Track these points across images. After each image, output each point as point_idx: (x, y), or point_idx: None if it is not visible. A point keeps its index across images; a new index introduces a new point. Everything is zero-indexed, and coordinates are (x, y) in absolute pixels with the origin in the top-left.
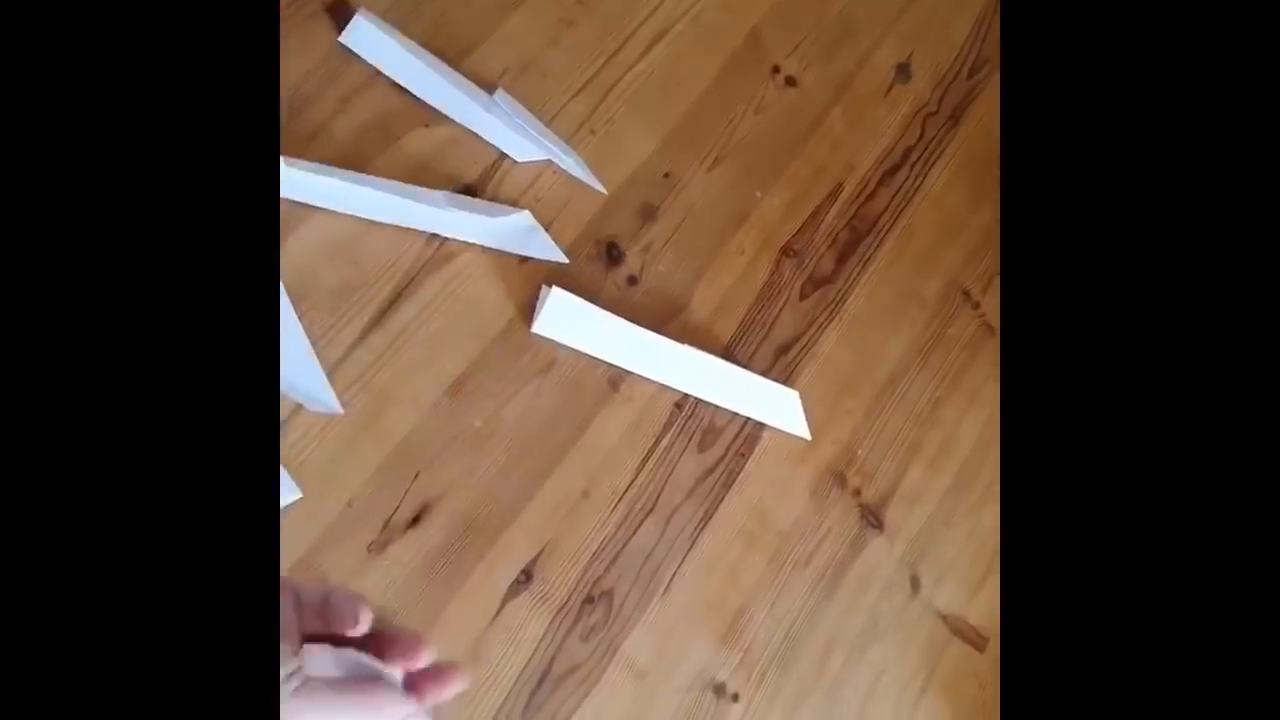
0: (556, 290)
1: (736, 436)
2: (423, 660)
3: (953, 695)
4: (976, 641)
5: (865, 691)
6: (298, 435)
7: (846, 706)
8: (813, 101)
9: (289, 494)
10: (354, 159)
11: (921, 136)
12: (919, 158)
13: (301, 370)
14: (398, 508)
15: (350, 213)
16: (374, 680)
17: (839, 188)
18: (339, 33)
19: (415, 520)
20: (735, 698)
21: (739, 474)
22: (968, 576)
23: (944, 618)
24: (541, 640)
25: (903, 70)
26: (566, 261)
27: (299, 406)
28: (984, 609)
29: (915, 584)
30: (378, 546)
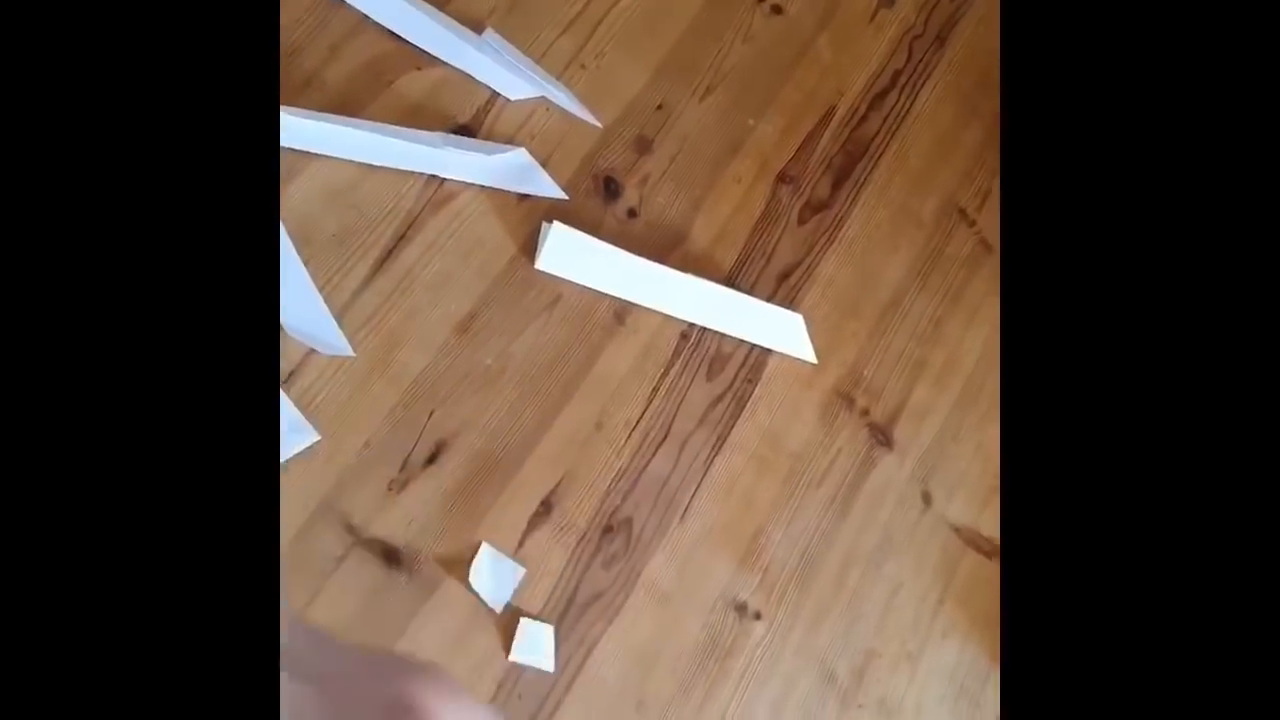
0: (558, 225)
1: (743, 363)
2: None
3: (969, 604)
4: (990, 551)
5: (884, 605)
6: (311, 379)
7: (866, 620)
8: (800, 28)
9: (307, 437)
10: (348, 105)
11: (909, 59)
12: (908, 80)
13: (310, 315)
14: (415, 446)
15: (348, 158)
16: None
17: (831, 113)
18: None
19: (433, 458)
20: (757, 616)
21: (748, 400)
22: (977, 489)
23: (957, 530)
24: (564, 570)
25: None
26: (565, 197)
27: (311, 351)
28: (994, 520)
29: (927, 499)
30: (398, 485)
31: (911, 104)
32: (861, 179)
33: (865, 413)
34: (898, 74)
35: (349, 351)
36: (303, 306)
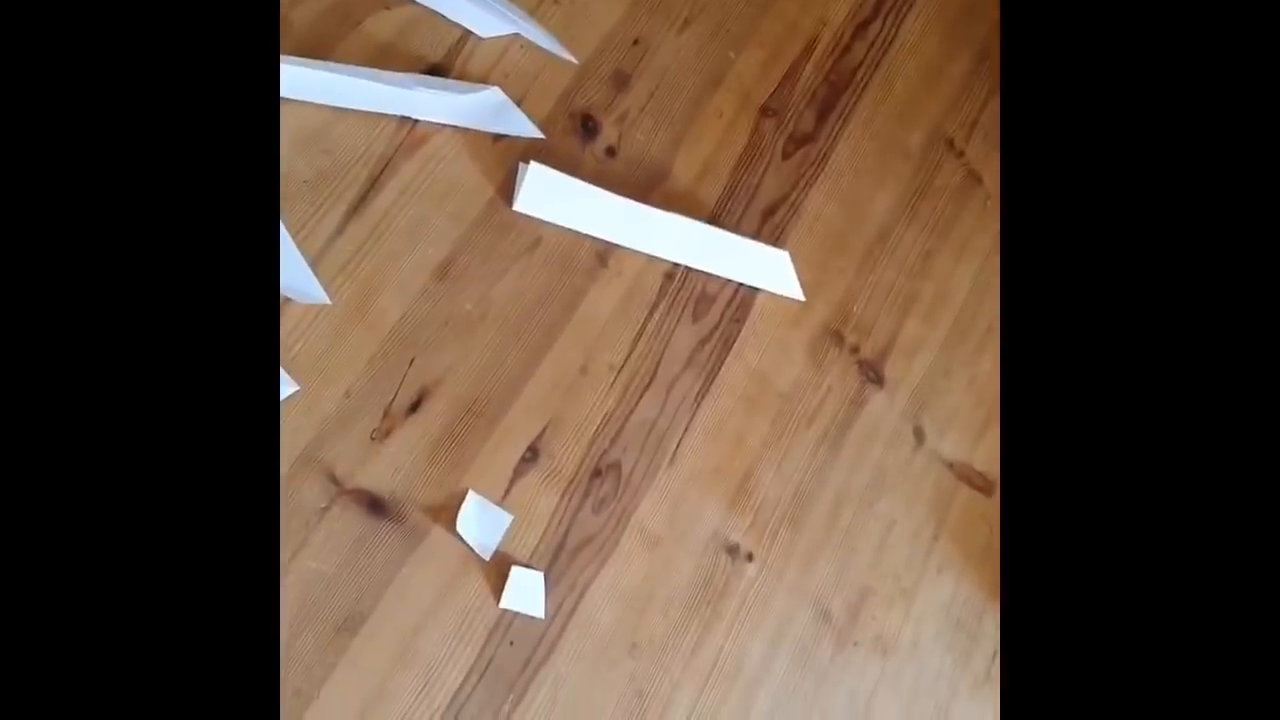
0: (535, 165)
1: (730, 303)
2: None
3: (964, 540)
4: (983, 487)
5: (878, 542)
6: (288, 328)
7: (860, 557)
8: None
9: (286, 388)
10: (316, 48)
11: None
12: (891, 9)
13: (284, 263)
14: (396, 394)
15: (318, 101)
16: None
17: (813, 43)
18: None
19: (415, 406)
20: (750, 558)
21: (735, 340)
22: (970, 424)
23: (950, 465)
24: (554, 514)
25: None
26: (542, 137)
27: (286, 300)
28: (988, 455)
29: (919, 435)
30: (380, 434)
31: (896, 33)
32: (846, 111)
33: (855, 350)
34: (881, 2)
35: (325, 299)
36: (281, 260)
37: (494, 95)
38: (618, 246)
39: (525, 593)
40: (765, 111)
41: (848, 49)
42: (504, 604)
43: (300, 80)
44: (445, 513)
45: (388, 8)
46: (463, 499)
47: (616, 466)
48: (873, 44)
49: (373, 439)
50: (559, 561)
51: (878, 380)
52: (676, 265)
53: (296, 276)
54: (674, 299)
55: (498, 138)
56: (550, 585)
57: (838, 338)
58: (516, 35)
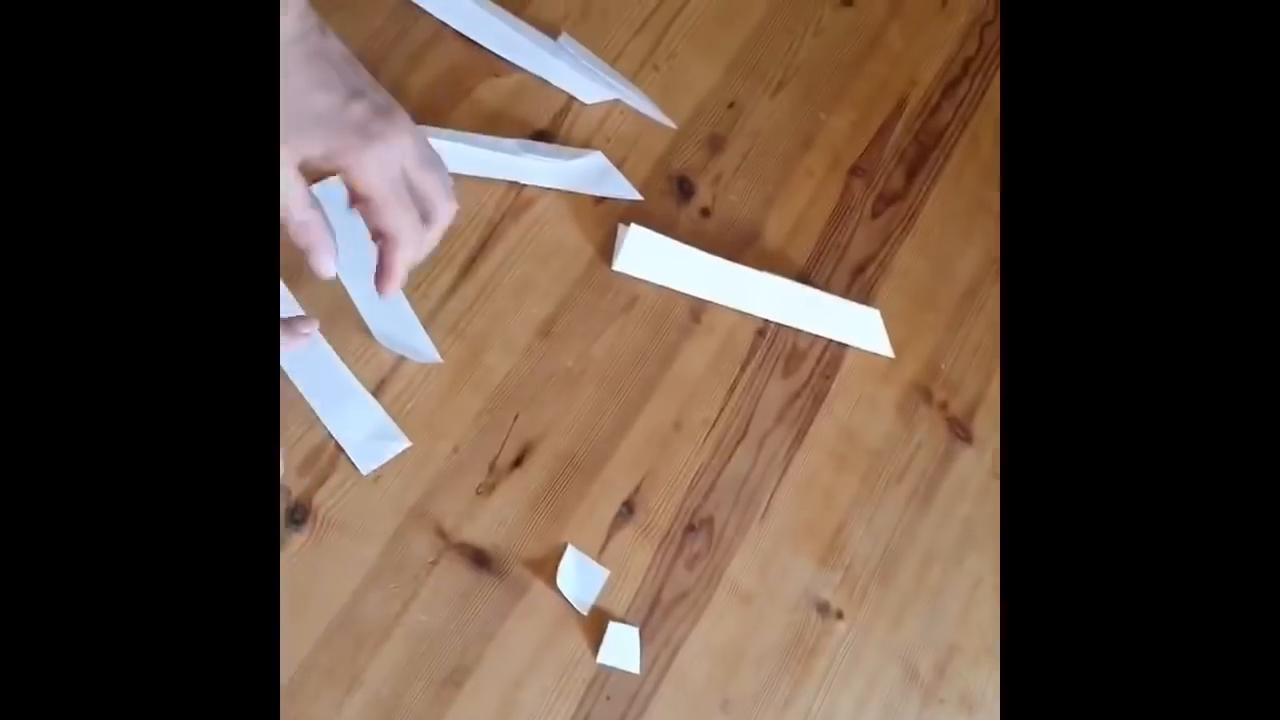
0: (635, 227)
1: (820, 359)
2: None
3: None
4: None
5: (966, 599)
6: (402, 387)
7: (948, 614)
8: (870, 19)
9: (399, 444)
10: (430, 114)
11: (980, 46)
12: (979, 68)
13: (400, 323)
14: (501, 450)
15: None
16: None
17: (903, 103)
18: None
19: (518, 461)
20: (840, 615)
21: (825, 396)
22: None
23: None
24: (649, 570)
25: None
26: (640, 199)
27: (400, 359)
28: None
29: None
30: (485, 489)
31: (984, 92)
32: (935, 169)
33: (943, 406)
34: (969, 62)
35: (437, 358)
36: (392, 315)
37: (597, 160)
38: (711, 304)
39: (622, 648)
40: (855, 171)
41: (937, 108)
42: (601, 659)
43: None
44: (545, 566)
45: (497, 75)
46: (562, 553)
47: (709, 522)
48: (961, 103)
49: (478, 493)
50: (653, 617)
51: (966, 437)
52: (768, 322)
53: (411, 337)
54: (765, 355)
55: (599, 200)
56: (645, 641)
57: (926, 394)
58: (618, 101)
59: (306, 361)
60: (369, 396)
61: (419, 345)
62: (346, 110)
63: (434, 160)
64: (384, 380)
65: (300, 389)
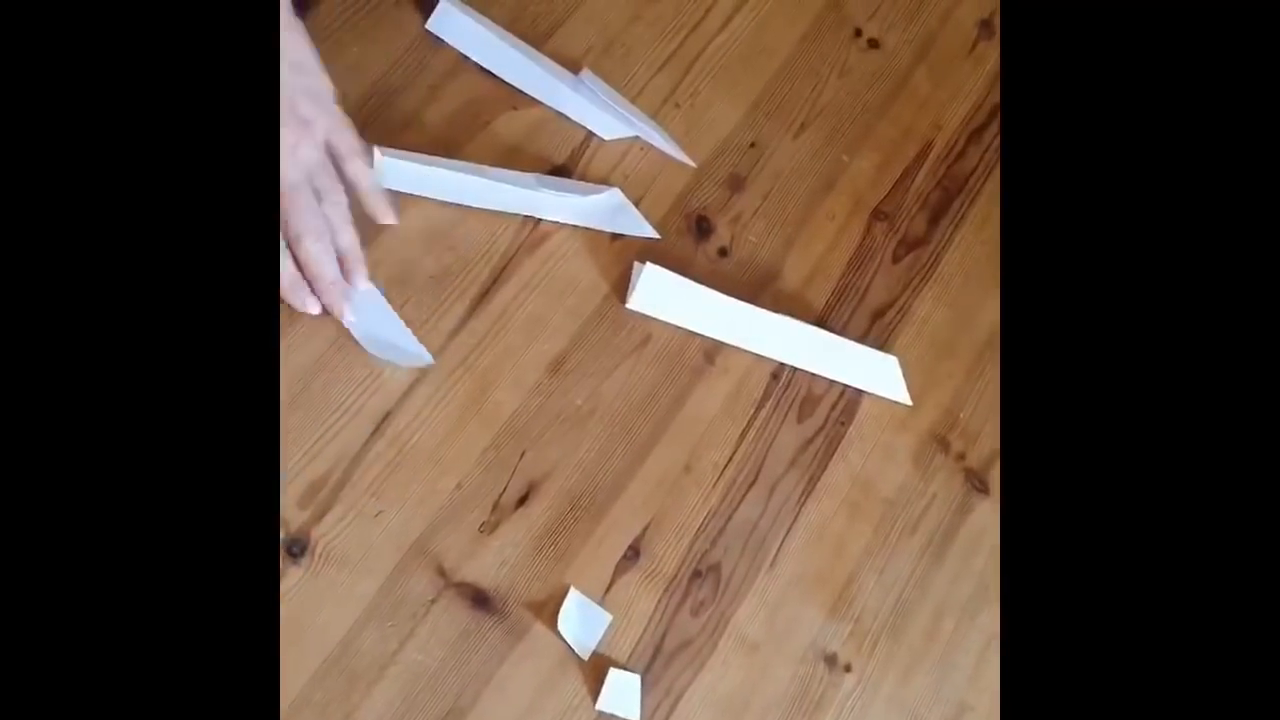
0: (650, 266)
1: (835, 405)
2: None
3: None
4: None
5: (977, 656)
6: (407, 420)
7: (959, 671)
8: (897, 62)
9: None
10: (446, 146)
11: None
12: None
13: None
14: (506, 487)
15: (446, 199)
16: None
17: (927, 148)
18: (424, 20)
19: (523, 500)
20: (848, 668)
21: (840, 442)
22: None
23: None
24: (653, 616)
25: (985, 27)
26: (657, 237)
27: (406, 393)
28: None
29: None
30: (489, 527)
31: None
32: (958, 215)
33: (961, 456)
34: (996, 108)
35: (428, 359)
36: (377, 321)
37: (614, 197)
38: (726, 345)
39: (622, 696)
40: (877, 215)
41: (962, 154)
42: (600, 706)
43: (430, 179)
44: (547, 609)
45: (515, 108)
46: (564, 595)
47: (716, 569)
48: (987, 149)
49: (481, 531)
50: (656, 664)
51: (983, 489)
52: (783, 365)
53: (399, 339)
54: (780, 399)
55: (615, 237)
56: (647, 688)
57: (944, 444)
58: (637, 138)
59: None
60: None
61: (407, 347)
62: None
63: None
64: (389, 413)
65: None
